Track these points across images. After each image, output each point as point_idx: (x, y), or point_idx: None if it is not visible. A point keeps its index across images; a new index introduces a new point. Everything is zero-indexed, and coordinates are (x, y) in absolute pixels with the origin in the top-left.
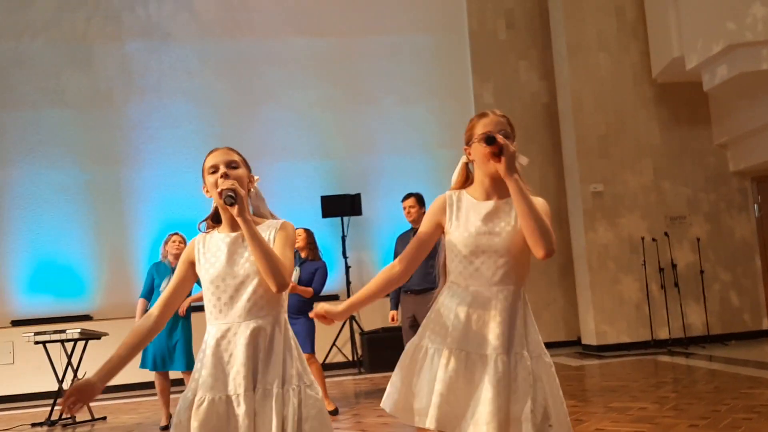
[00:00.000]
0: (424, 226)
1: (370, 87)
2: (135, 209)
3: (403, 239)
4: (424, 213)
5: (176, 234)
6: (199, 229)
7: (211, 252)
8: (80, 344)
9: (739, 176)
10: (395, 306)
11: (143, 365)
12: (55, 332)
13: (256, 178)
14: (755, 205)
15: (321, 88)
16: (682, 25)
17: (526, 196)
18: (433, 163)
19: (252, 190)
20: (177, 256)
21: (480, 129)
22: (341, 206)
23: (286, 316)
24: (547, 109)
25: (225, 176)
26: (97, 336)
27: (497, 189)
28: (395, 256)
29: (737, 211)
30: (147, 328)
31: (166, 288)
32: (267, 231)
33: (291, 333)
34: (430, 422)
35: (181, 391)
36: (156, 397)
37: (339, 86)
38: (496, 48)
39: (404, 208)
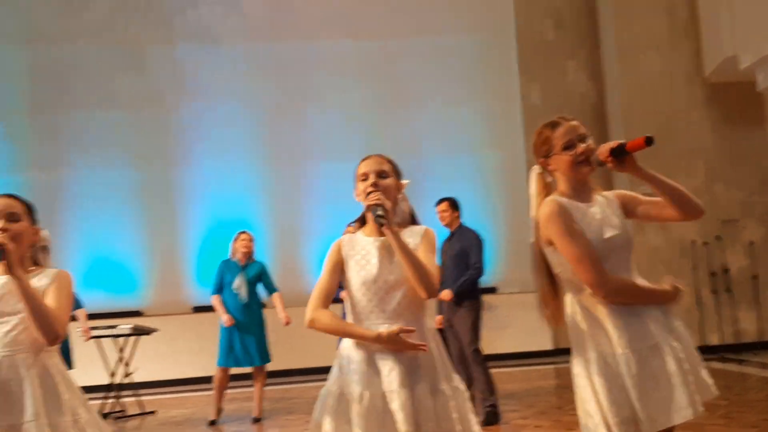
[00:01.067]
0: (578, 234)
1: (416, 88)
2: (185, 208)
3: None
4: (457, 216)
5: (245, 232)
6: (350, 230)
7: (361, 255)
8: (131, 339)
9: None
10: None
11: (226, 363)
12: (108, 327)
13: (404, 182)
14: None
15: (366, 90)
16: (735, 24)
17: (663, 178)
18: (479, 165)
19: (400, 195)
20: (245, 254)
21: (560, 140)
22: None
23: (429, 321)
24: (595, 109)
25: (375, 186)
26: (147, 332)
27: (587, 190)
28: (443, 262)
29: None
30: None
31: (322, 289)
32: (411, 238)
33: (437, 337)
34: (644, 428)
35: (238, 387)
36: (203, 393)
37: (384, 88)
38: (544, 48)
39: (437, 212)
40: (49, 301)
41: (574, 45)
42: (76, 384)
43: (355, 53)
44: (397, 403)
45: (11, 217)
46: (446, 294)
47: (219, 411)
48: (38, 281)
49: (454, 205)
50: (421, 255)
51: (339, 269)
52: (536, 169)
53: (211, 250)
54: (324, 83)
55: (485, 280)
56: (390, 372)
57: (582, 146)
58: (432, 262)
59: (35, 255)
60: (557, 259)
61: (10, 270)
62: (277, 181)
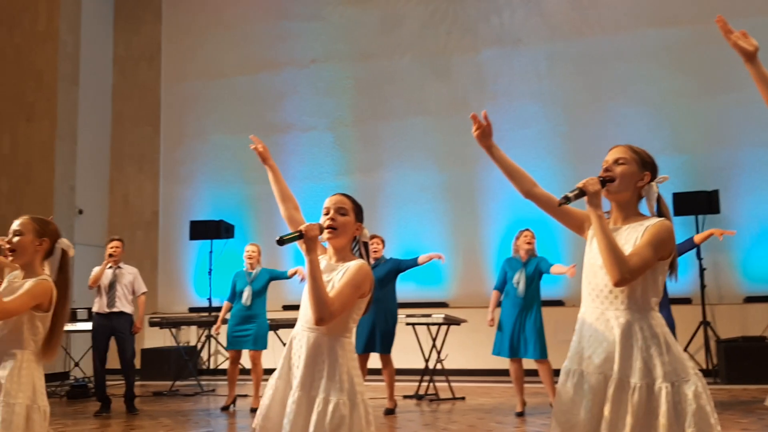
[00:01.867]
0: None
1: (730, 74)
2: (486, 207)
3: None
4: None
5: (527, 230)
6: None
7: (595, 242)
8: (443, 328)
9: None
10: None
11: (499, 353)
12: (423, 316)
13: (662, 177)
14: None
15: (673, 79)
16: None
17: None
18: None
19: (644, 187)
20: (528, 251)
21: None
22: (696, 204)
23: (654, 312)
24: None
25: (605, 171)
26: (457, 322)
27: None
28: None
29: None
30: None
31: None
32: (642, 227)
33: (664, 329)
34: None
35: (536, 382)
36: (507, 385)
37: (693, 75)
38: None
39: None
40: (335, 288)
41: None
42: (346, 374)
43: (660, 42)
44: (587, 386)
45: (340, 211)
46: None
47: (523, 402)
48: (338, 273)
49: None
50: (639, 243)
51: (578, 222)
52: None
53: (510, 248)
54: (626, 76)
55: None
56: (591, 355)
57: None
58: (641, 252)
59: (356, 248)
60: None
61: (307, 252)
62: (576, 178)
